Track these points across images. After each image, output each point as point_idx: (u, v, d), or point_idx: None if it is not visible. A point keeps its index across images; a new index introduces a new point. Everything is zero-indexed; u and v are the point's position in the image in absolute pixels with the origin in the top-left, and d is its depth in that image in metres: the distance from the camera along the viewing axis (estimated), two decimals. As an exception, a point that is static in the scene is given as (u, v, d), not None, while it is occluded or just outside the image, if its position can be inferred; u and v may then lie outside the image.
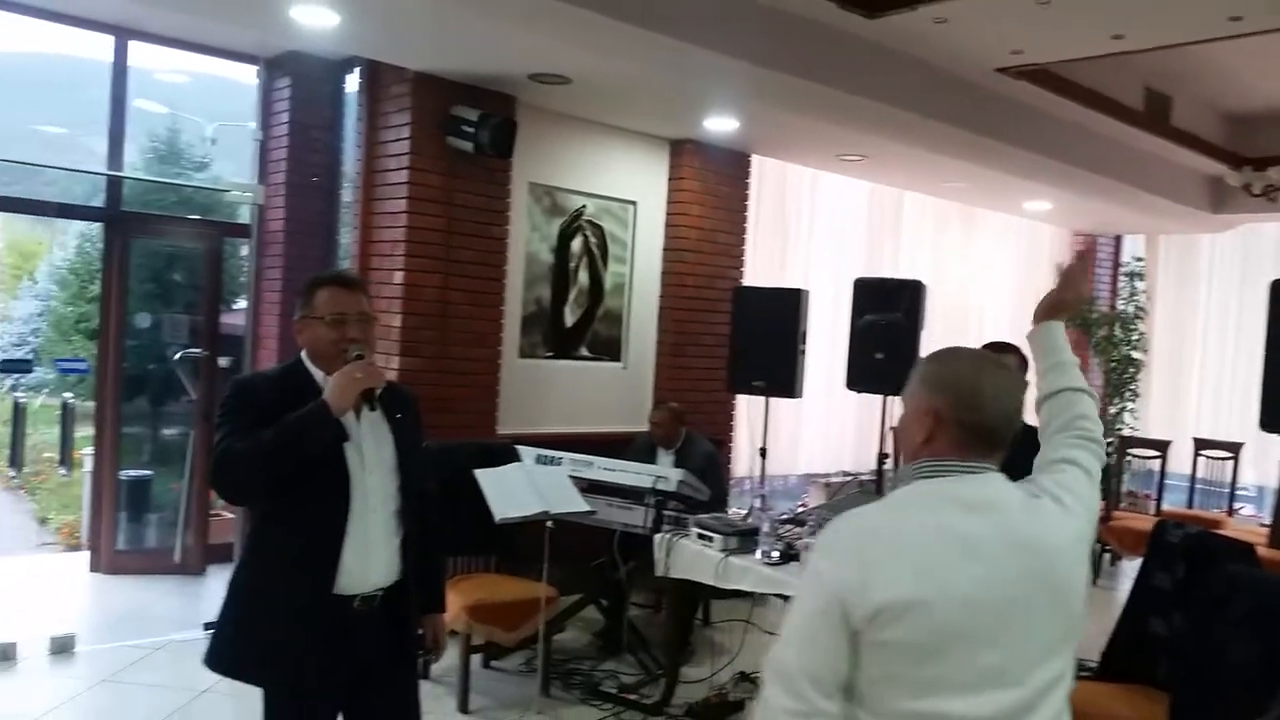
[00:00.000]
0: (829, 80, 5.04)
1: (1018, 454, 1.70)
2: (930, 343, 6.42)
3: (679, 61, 4.65)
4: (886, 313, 5.56)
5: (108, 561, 5.98)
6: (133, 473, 6.14)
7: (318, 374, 2.40)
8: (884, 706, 1.54)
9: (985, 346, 3.44)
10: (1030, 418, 1.79)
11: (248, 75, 6.21)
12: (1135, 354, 9.34)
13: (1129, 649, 3.72)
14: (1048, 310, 1.99)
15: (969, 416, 1.62)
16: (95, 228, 10.70)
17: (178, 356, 6.13)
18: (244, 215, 6.06)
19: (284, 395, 2.32)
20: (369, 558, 2.37)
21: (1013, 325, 9.10)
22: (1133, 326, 9.36)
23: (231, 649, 2.38)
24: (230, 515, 6.26)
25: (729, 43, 4.58)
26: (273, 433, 2.23)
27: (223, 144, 14.40)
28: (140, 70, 6.04)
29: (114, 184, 5.95)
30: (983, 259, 8.99)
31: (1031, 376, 2.01)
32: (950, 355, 1.77)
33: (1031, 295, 9.38)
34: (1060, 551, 1.59)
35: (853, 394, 6.24)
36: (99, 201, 6.04)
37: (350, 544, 2.33)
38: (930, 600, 1.50)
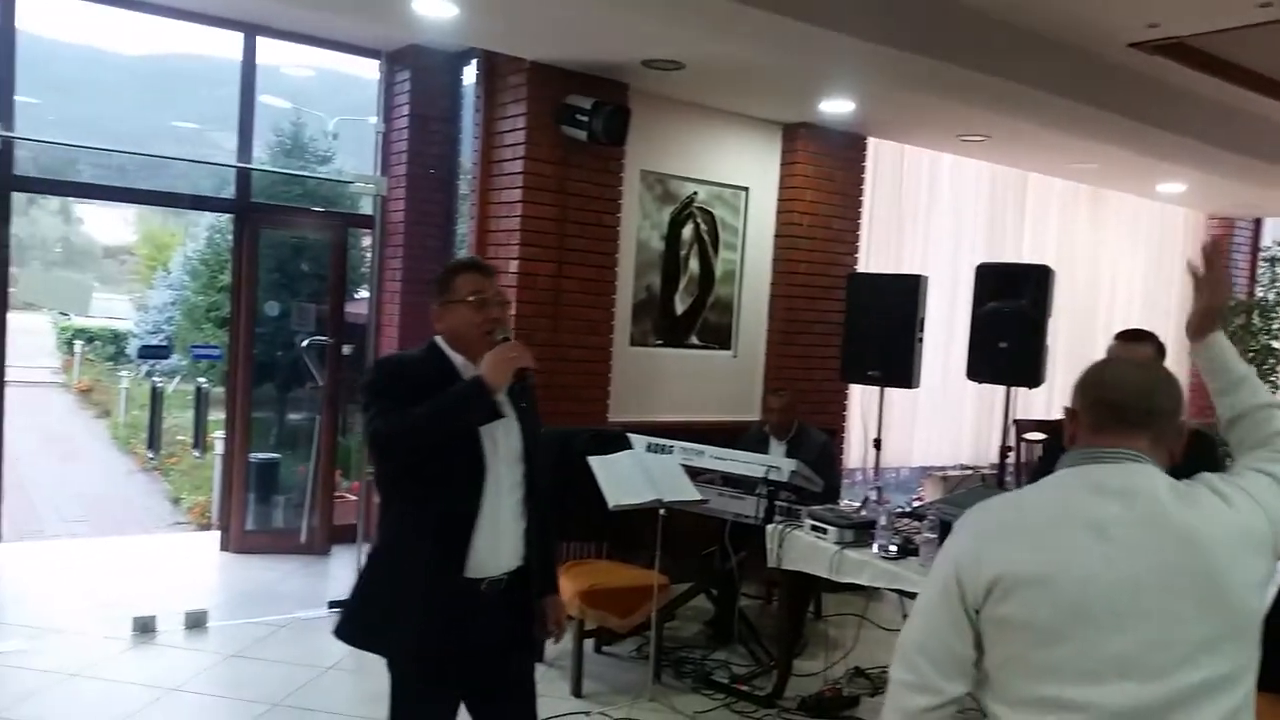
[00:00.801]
0: (952, 57, 4.88)
1: (1189, 460, 1.64)
2: (1056, 331, 6.22)
3: (797, 42, 4.57)
4: (1011, 300, 5.36)
5: (237, 541, 6.24)
6: (261, 455, 6.40)
7: (456, 359, 2.46)
8: (1009, 692, 1.53)
9: (1119, 335, 3.28)
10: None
11: (368, 70, 6.38)
12: (1275, 344, 8.83)
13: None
14: (1201, 321, 1.89)
15: (1094, 395, 1.63)
16: (224, 220, 11.18)
17: (305, 344, 6.35)
18: (366, 206, 6.22)
19: (426, 377, 2.38)
20: (498, 542, 2.42)
21: (1144, 312, 8.71)
22: (1273, 314, 8.85)
23: (362, 622, 2.46)
24: (353, 498, 6.46)
25: (849, 21, 4.47)
26: (429, 406, 2.29)
27: (343, 138, 14.86)
28: (267, 67, 6.25)
29: (243, 176, 6.19)
30: (1112, 243, 8.60)
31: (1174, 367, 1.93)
32: (1094, 365, 1.77)
33: (1164, 282, 8.98)
34: (1216, 542, 1.50)
35: (971, 384, 6.06)
36: (228, 194, 6.29)
37: (481, 528, 2.38)
38: (1049, 576, 1.48)
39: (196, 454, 6.02)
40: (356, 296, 8.32)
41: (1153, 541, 1.50)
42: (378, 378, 2.46)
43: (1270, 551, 1.55)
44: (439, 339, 2.50)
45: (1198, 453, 1.69)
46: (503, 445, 2.44)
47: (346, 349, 6.52)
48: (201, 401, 5.97)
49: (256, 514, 6.39)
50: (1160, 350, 3.28)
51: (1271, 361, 8.78)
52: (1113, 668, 1.46)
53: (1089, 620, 1.47)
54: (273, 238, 6.52)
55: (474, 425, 2.35)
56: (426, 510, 2.37)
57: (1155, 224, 8.94)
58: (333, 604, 5.29)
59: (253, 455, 6.30)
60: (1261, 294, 9.05)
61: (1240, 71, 5.70)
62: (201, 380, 5.93)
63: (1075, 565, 1.49)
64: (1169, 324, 8.95)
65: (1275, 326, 8.84)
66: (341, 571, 5.83)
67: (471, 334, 2.43)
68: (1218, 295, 1.90)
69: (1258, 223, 9.48)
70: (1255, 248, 9.44)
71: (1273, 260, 9.05)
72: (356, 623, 2.48)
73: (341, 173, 10.01)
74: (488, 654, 2.46)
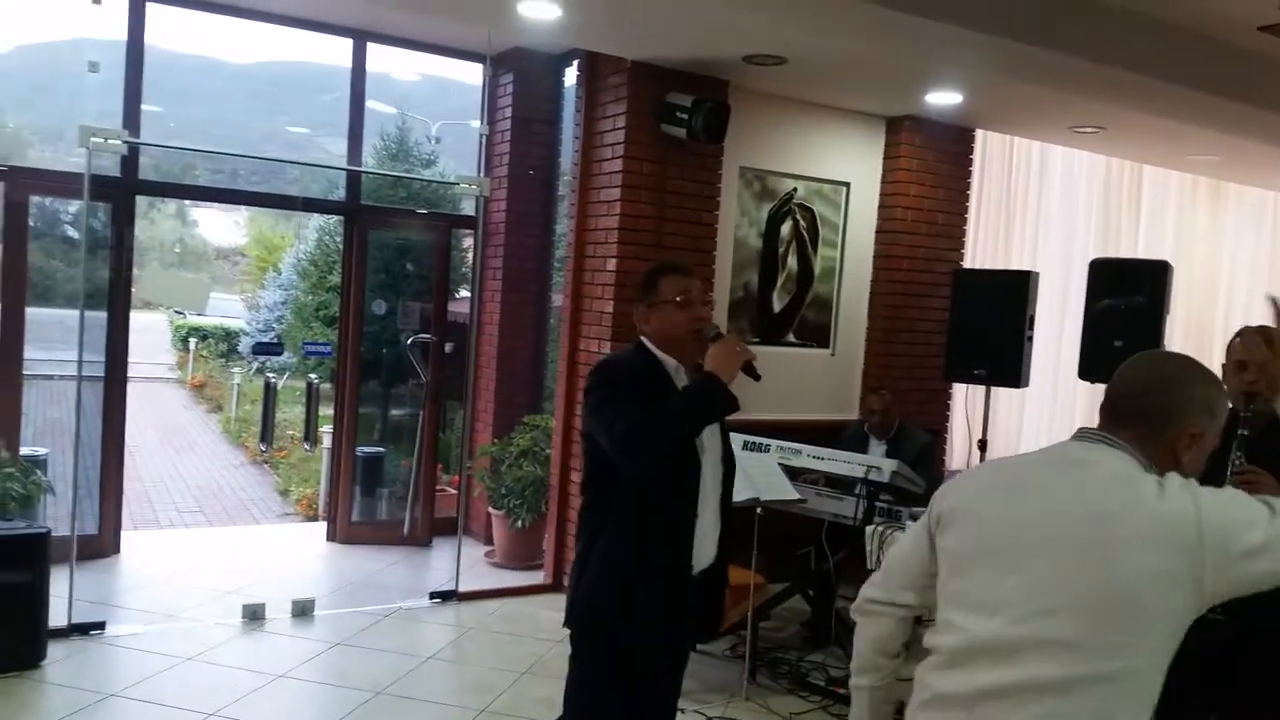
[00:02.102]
0: (1066, 47, 4.71)
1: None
2: (1173, 329, 5.96)
3: (905, 35, 4.47)
4: (1127, 296, 5.15)
5: (343, 532, 6.43)
6: (367, 449, 6.57)
7: (666, 360, 2.54)
8: (938, 615, 1.74)
9: (1241, 331, 3.12)
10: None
11: (471, 74, 6.50)
12: None
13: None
14: None
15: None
16: (332, 222, 11.51)
17: (409, 342, 6.50)
18: (468, 208, 6.34)
19: (643, 378, 2.47)
20: (704, 539, 2.54)
21: (1266, 309, 8.27)
22: None
23: (605, 613, 2.50)
24: (453, 492, 6.59)
25: (958, 11, 4.35)
26: (678, 402, 2.42)
27: (445, 141, 15.16)
28: (375, 73, 6.42)
29: (353, 179, 6.37)
30: (1232, 237, 8.20)
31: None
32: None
33: (1292, 278, 8.51)
34: (1125, 524, 1.54)
35: (1082, 384, 5.84)
36: (337, 196, 6.48)
37: (697, 526, 2.51)
38: (973, 515, 1.69)
39: (307, 447, 6.20)
40: (458, 296, 8.48)
41: (1067, 505, 1.60)
42: (606, 378, 2.50)
43: (1188, 552, 1.51)
44: (645, 340, 2.57)
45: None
46: (709, 448, 2.53)
47: (448, 347, 6.65)
48: (312, 397, 6.16)
49: (361, 506, 6.57)
50: None
51: None
52: (989, 604, 1.60)
53: (990, 560, 1.63)
54: (379, 238, 6.69)
55: (716, 419, 2.47)
56: (655, 505, 2.45)
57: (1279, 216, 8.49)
58: (434, 594, 5.41)
59: (359, 449, 6.48)
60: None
61: (1379, 54, 5.37)
62: (313, 376, 6.12)
63: (999, 513, 1.66)
64: (1296, 322, 8.51)
65: None
66: (442, 563, 5.95)
67: (679, 334, 2.51)
68: None
69: (1396, 215, 8.91)
70: (1393, 242, 8.87)
71: None
72: (599, 614, 2.51)
73: (445, 175, 10.22)
74: (678, 645, 2.66)
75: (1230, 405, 2.55)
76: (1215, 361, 3.12)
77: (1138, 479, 1.60)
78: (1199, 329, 7.76)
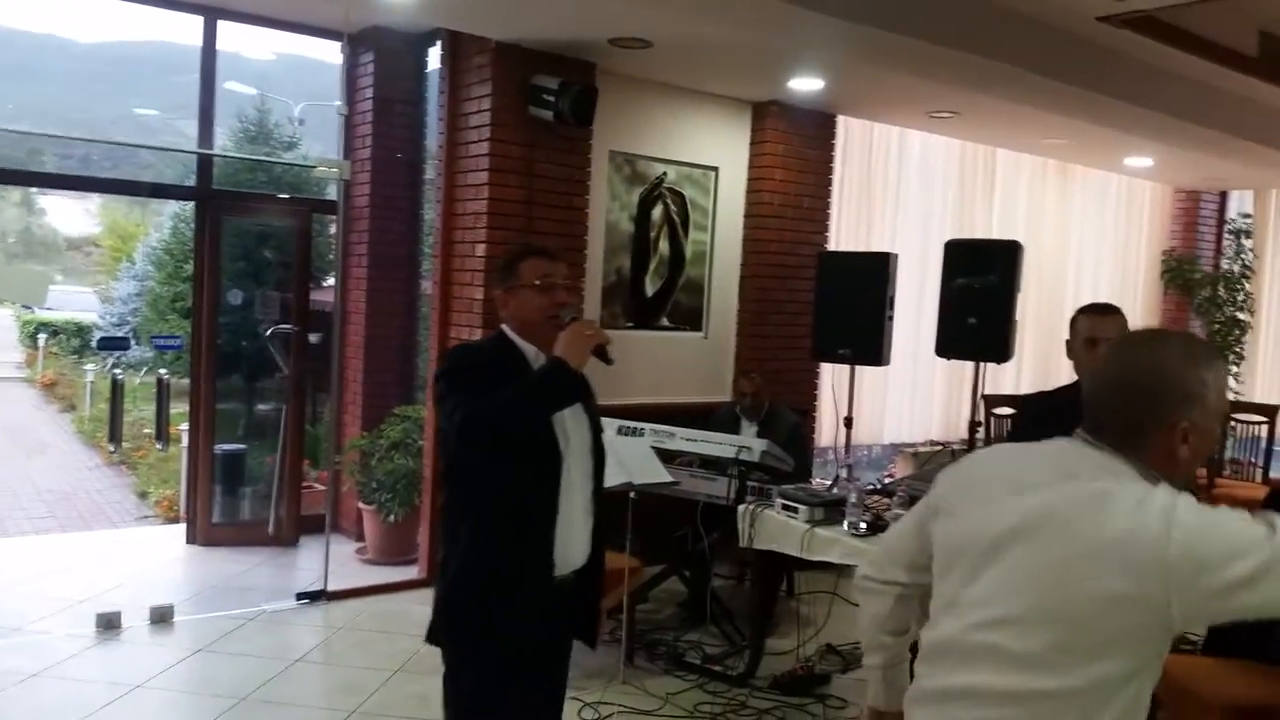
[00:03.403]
0: (922, 34, 4.84)
1: None
2: (1025, 306, 6.23)
3: (765, 19, 4.51)
4: (980, 275, 5.36)
5: (204, 534, 6.16)
6: (227, 447, 6.31)
7: (526, 347, 2.42)
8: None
9: (1085, 309, 3.26)
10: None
11: (332, 54, 6.26)
12: (1241, 315, 8.91)
13: (1237, 624, 3.53)
14: None
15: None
16: (189, 209, 11.00)
17: (269, 333, 6.26)
18: (331, 192, 6.13)
19: (497, 365, 2.35)
20: (572, 539, 2.40)
21: (1112, 287, 8.76)
22: (1238, 287, 8.94)
23: (459, 628, 2.39)
24: (321, 488, 6.39)
25: (819, -1, 4.42)
26: (518, 390, 2.27)
27: (310, 123, 14.66)
28: (228, 53, 6.13)
29: (204, 163, 6.08)
30: (1079, 218, 8.63)
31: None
32: None
33: (1131, 254, 9.03)
34: (1082, 539, 1.45)
35: (940, 361, 6.07)
36: (191, 182, 6.18)
37: (559, 523, 2.36)
38: (959, 511, 1.66)
39: (159, 446, 5.91)
40: (324, 284, 8.22)
41: (1038, 513, 1.51)
42: (453, 366, 2.41)
43: (1150, 577, 1.40)
44: (506, 327, 2.46)
45: None
46: (574, 438, 2.41)
47: (314, 337, 6.43)
48: (163, 393, 5.86)
49: (223, 506, 6.30)
50: (1125, 324, 3.26)
51: (1237, 333, 8.87)
52: (956, 606, 1.60)
53: (963, 561, 1.61)
54: (237, 225, 6.41)
55: (561, 406, 2.32)
56: (509, 506, 2.34)
57: (1122, 198, 8.98)
58: (301, 595, 5.23)
59: (218, 446, 6.21)
60: (1227, 266, 9.13)
61: (1206, 45, 5.71)
62: (163, 371, 5.82)
63: (975, 510, 1.62)
64: (1136, 297, 9.03)
65: (1240, 299, 8.92)
66: (310, 562, 5.76)
67: (537, 319, 2.40)
68: None
69: (1223, 196, 9.54)
70: (1221, 221, 9.50)
71: (1238, 233, 9.12)
72: (449, 625, 2.40)
73: (307, 158, 9.88)
74: (554, 649, 2.51)
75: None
76: (1064, 337, 3.27)
77: (1116, 496, 1.46)
78: (1049, 306, 8.15)
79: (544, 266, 2.43)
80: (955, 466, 1.78)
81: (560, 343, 2.31)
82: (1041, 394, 3.45)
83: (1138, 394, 1.53)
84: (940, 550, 1.69)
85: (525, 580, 2.33)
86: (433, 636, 2.42)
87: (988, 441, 6.00)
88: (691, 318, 6.41)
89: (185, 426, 6.57)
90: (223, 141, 11.99)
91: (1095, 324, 3.10)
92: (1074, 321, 3.20)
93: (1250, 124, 6.88)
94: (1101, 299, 3.45)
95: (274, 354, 6.26)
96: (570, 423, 2.40)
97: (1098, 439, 1.56)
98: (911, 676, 1.74)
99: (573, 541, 2.41)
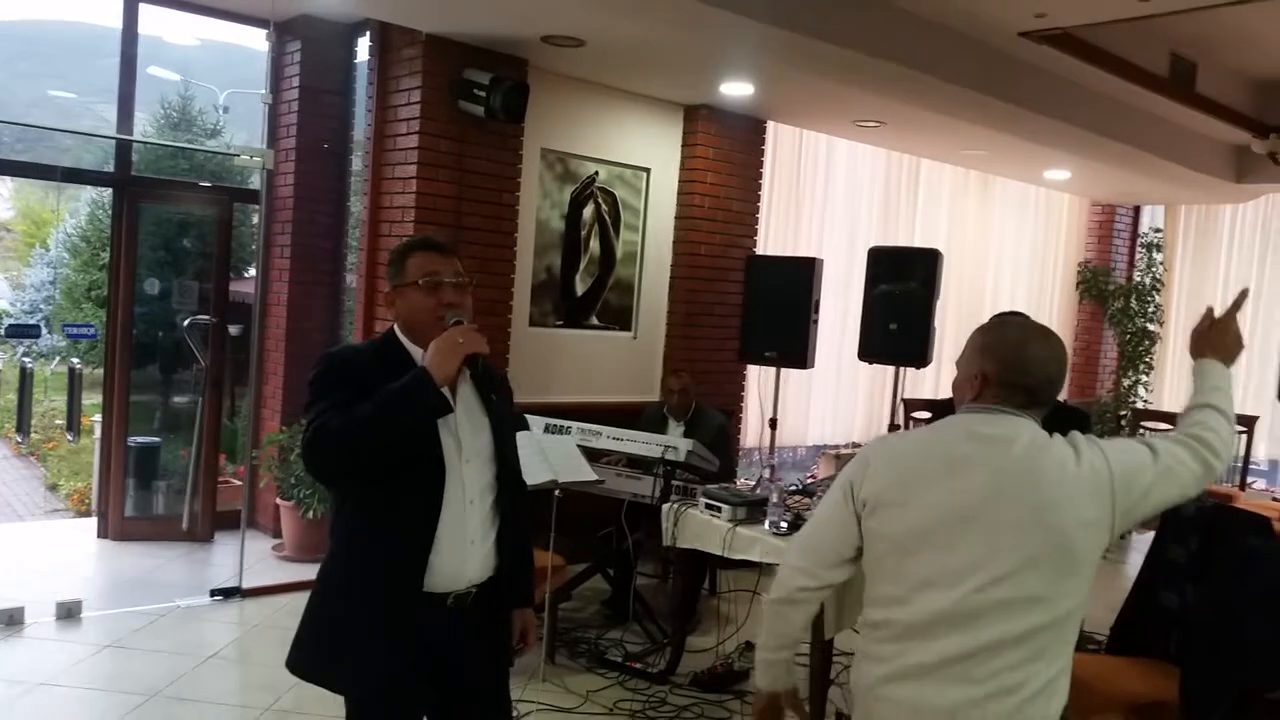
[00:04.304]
0: (848, 42, 4.93)
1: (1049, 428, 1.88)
2: (945, 313, 6.38)
3: (694, 22, 4.55)
4: (901, 282, 5.48)
5: (115, 528, 5.99)
6: (141, 439, 6.14)
7: (414, 349, 2.21)
8: (871, 587, 1.92)
9: (996, 317, 3.37)
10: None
11: (258, 41, 6.14)
12: (1151, 326, 9.24)
13: (1140, 622, 3.67)
14: (1198, 349, 2.13)
15: (1013, 379, 1.88)
16: (107, 195, 10.69)
17: (187, 324, 6.11)
18: (254, 182, 6.01)
19: (379, 370, 2.12)
20: (465, 553, 2.18)
21: (1029, 296, 9.01)
22: (1149, 299, 9.26)
23: (315, 651, 2.19)
24: (238, 483, 6.26)
25: (746, 2, 4.47)
26: (370, 405, 2.03)
27: (236, 112, 14.35)
28: (150, 37, 5.97)
29: (123, 148, 5.91)
30: (1000, 228, 8.87)
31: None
32: (1000, 325, 2.06)
33: (1048, 265, 9.30)
34: (1053, 482, 1.77)
35: (863, 365, 6.18)
36: (110, 168, 6.01)
37: (444, 539, 2.14)
38: (904, 501, 1.84)
39: (70, 437, 5.73)
40: (246, 275, 8.05)
41: (994, 478, 1.79)
42: (324, 371, 2.17)
43: (1107, 500, 1.78)
44: (395, 328, 2.27)
45: (1067, 426, 1.89)
46: (468, 445, 2.20)
47: (234, 329, 6.30)
48: (75, 383, 5.69)
49: (136, 500, 6.13)
50: None
51: (1147, 343, 9.19)
52: (942, 580, 1.79)
53: (930, 541, 1.80)
54: (156, 213, 6.24)
55: (420, 422, 2.09)
56: (380, 519, 2.14)
57: (1041, 210, 9.24)
58: (216, 591, 5.13)
59: (132, 439, 6.04)
60: (1139, 278, 9.45)
61: (1121, 64, 5.92)
62: (75, 361, 5.64)
63: (926, 495, 1.82)
64: (1053, 306, 9.30)
65: (1151, 310, 9.25)
66: (226, 558, 5.64)
67: (424, 320, 2.20)
68: (1220, 339, 2.12)
69: (1136, 210, 9.88)
70: (1134, 234, 9.84)
71: (1149, 246, 9.46)
72: (307, 652, 2.19)
73: (230, 146, 9.66)
74: (456, 674, 2.24)
75: None
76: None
77: (1051, 444, 1.81)
78: (969, 313, 8.35)
79: (431, 263, 2.23)
80: (874, 464, 1.91)
81: (429, 351, 2.10)
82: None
83: (1064, 369, 1.94)
84: (892, 540, 1.85)
85: (394, 606, 2.12)
86: (294, 664, 2.21)
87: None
88: (621, 317, 6.43)
89: (98, 418, 6.38)
90: (143, 127, 11.67)
91: None
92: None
93: (1162, 141, 7.16)
94: (1019, 308, 3.56)
95: (192, 345, 6.12)
96: (466, 429, 2.21)
97: (1022, 405, 1.87)
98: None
99: (469, 556, 2.18)
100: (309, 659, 2.20)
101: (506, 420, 2.37)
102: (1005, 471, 1.79)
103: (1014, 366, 1.88)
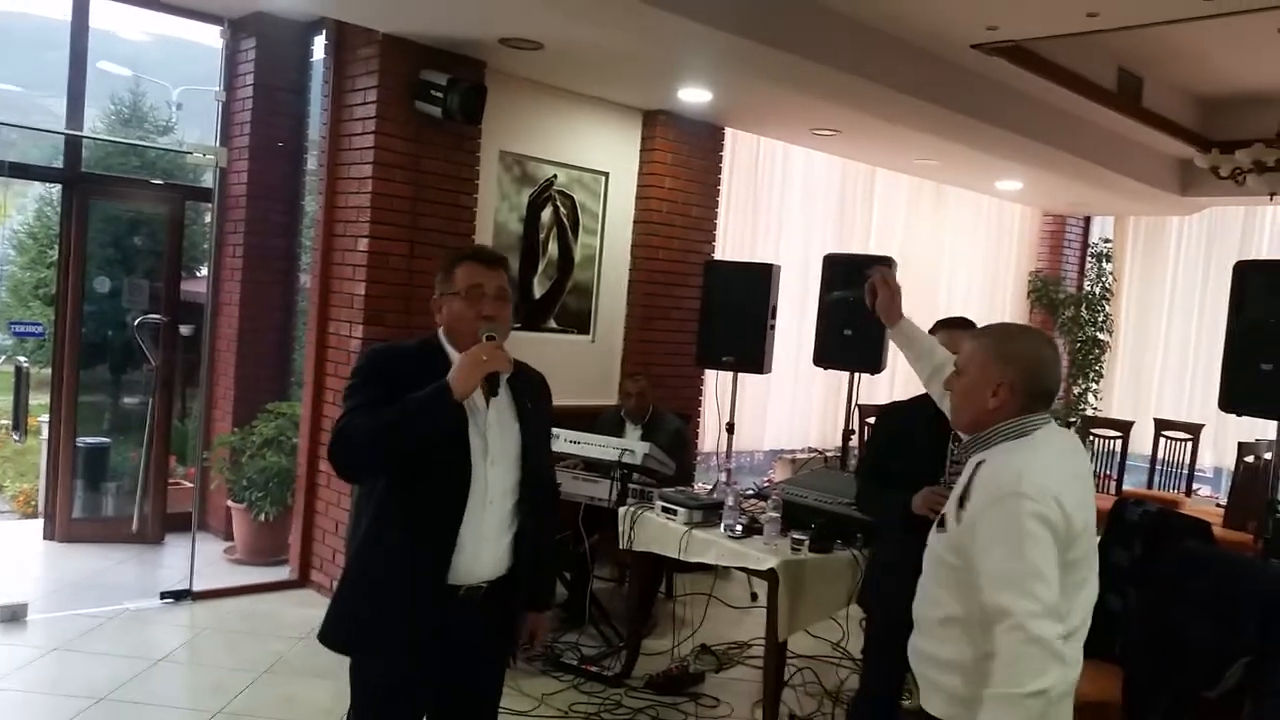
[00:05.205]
0: (804, 51, 4.99)
1: None
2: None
3: (653, 27, 4.58)
4: (855, 289, 5.52)
5: (63, 530, 5.88)
6: (90, 440, 6.03)
7: (454, 354, 2.31)
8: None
9: (942, 321, 3.41)
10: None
11: (212, 38, 6.07)
12: (1100, 335, 9.42)
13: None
14: (892, 312, 2.78)
15: (1037, 385, 2.03)
16: (56, 191, 10.48)
17: (138, 323, 6.02)
18: (207, 180, 5.94)
19: (420, 371, 2.23)
20: (480, 550, 2.30)
21: (981, 304, 9.15)
22: (1099, 308, 9.44)
23: (346, 624, 2.32)
24: (189, 485, 6.18)
25: (704, 9, 4.50)
26: (392, 411, 2.15)
27: (189, 109, 14.13)
28: (102, 31, 5.88)
29: (72, 144, 5.82)
30: (953, 237, 9.00)
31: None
32: (1018, 334, 2.16)
33: (1000, 274, 9.46)
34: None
35: (819, 370, 6.24)
36: (59, 164, 5.91)
37: (465, 535, 2.27)
38: (1087, 524, 1.98)
39: (16, 438, 5.61)
40: (199, 274, 7.94)
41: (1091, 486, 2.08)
42: (365, 366, 2.31)
43: None
44: (440, 332, 2.39)
45: None
46: (495, 448, 2.31)
47: (185, 329, 6.21)
48: (21, 382, 5.56)
49: (85, 501, 6.02)
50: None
51: (1097, 352, 9.37)
52: (1090, 582, 2.02)
53: (1089, 557, 2.01)
54: (106, 210, 6.14)
55: (439, 433, 2.20)
56: (407, 512, 2.25)
57: (994, 219, 9.40)
58: (166, 594, 5.05)
59: (81, 440, 5.94)
60: (1089, 288, 9.64)
61: (1070, 76, 6.05)
62: (21, 360, 5.52)
63: (1090, 514, 2.00)
64: (1004, 314, 9.45)
65: (1101, 319, 9.43)
66: (176, 560, 5.56)
67: (465, 329, 2.31)
68: (895, 298, 2.75)
69: (1087, 221, 10.08)
70: (1085, 244, 10.03)
71: (1099, 256, 9.65)
72: (340, 625, 2.32)
73: (182, 144, 9.53)
74: (461, 663, 2.37)
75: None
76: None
77: None
78: (921, 320, 8.39)
79: (476, 274, 2.34)
80: (1058, 492, 1.91)
81: (454, 365, 2.21)
82: (899, 405, 3.55)
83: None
84: (1075, 561, 1.95)
85: (413, 590, 2.24)
86: (322, 635, 2.34)
87: (860, 449, 6.19)
88: (579, 321, 6.44)
89: (45, 418, 6.26)
90: (94, 123, 11.46)
91: (952, 339, 3.12)
92: (934, 332, 3.33)
93: (1110, 154, 7.32)
94: (972, 315, 3.59)
95: (142, 345, 6.02)
96: (494, 431, 2.32)
97: (1044, 412, 2.08)
98: None
99: (482, 553, 2.30)
100: (341, 632, 2.32)
101: (539, 427, 2.48)
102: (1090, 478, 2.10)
103: (1037, 373, 2.01)
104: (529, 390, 2.44)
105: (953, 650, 2.03)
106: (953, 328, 3.27)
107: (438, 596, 2.25)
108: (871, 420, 6.74)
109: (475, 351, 2.21)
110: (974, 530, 1.96)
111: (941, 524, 2.11)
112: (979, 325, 3.36)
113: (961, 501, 2.02)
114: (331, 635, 2.33)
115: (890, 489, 3.13)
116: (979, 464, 2.05)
